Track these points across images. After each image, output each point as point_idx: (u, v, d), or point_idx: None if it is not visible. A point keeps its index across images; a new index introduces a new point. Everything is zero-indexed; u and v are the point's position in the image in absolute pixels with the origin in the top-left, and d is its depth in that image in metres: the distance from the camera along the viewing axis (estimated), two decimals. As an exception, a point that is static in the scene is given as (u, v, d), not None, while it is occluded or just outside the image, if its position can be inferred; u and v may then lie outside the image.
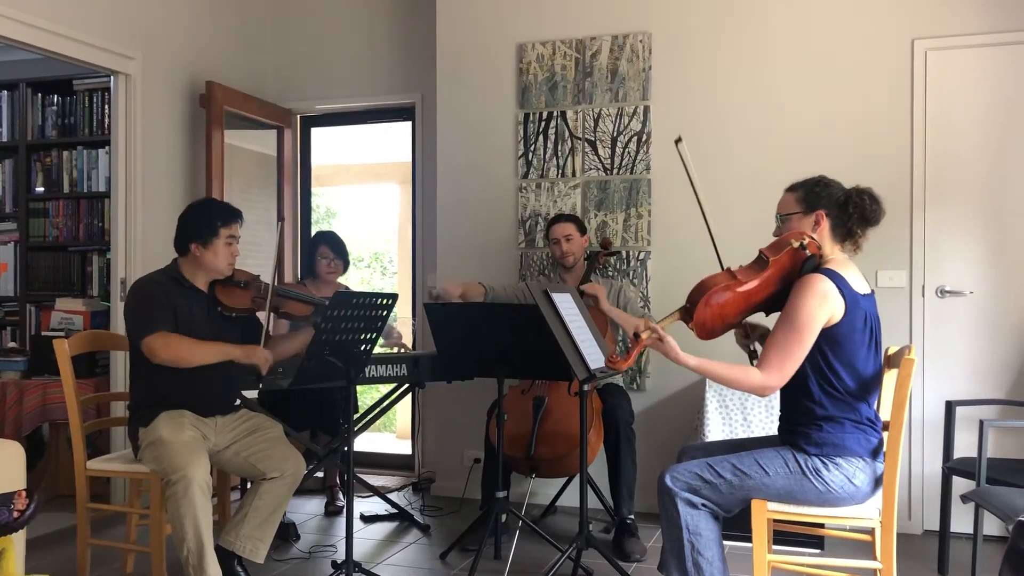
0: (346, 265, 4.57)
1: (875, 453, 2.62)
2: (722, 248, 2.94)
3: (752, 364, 2.68)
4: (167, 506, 3.04)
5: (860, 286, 2.63)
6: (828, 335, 2.56)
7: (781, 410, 2.78)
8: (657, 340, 2.53)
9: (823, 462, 2.58)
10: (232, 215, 3.37)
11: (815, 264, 2.63)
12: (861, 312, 2.59)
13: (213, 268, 3.33)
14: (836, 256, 2.68)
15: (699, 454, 2.88)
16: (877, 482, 2.61)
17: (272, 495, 3.25)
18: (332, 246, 4.50)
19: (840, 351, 2.58)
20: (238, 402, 3.58)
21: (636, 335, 2.54)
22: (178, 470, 3.00)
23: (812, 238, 2.63)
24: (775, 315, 2.70)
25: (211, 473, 3.17)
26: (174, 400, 3.23)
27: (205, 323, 3.31)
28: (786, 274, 2.63)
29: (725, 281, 2.60)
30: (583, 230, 4.21)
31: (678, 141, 2.96)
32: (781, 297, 2.64)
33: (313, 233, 4.78)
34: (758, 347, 2.88)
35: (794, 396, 2.65)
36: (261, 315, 3.45)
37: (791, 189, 2.78)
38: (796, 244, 2.60)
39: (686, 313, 2.61)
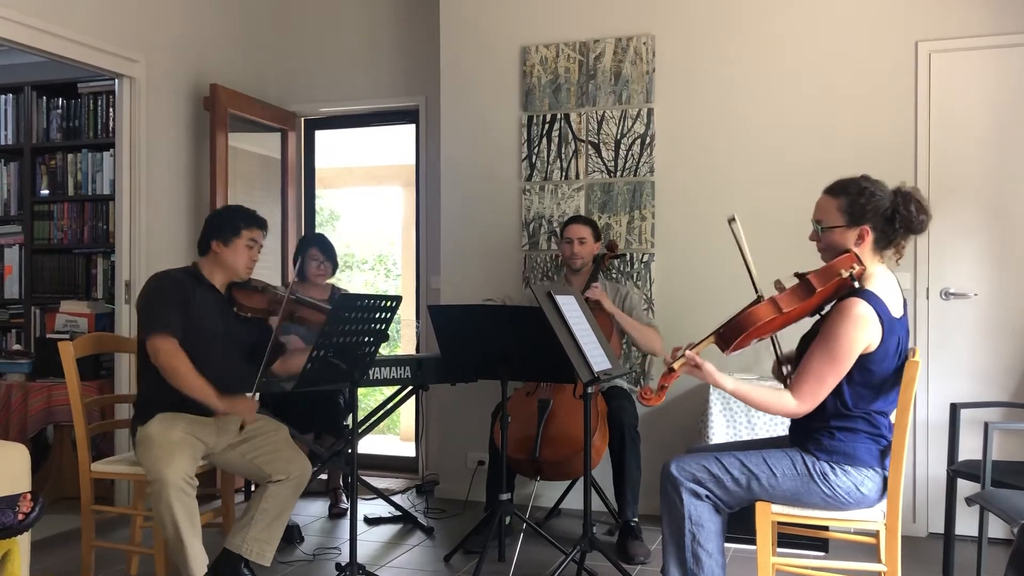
0: (335, 268, 4.56)
1: (883, 457, 2.61)
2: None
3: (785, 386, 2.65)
4: (149, 502, 3.09)
5: (896, 307, 2.57)
6: (861, 362, 2.52)
7: None
8: (694, 367, 2.51)
9: (832, 467, 2.57)
10: (256, 220, 3.44)
11: (858, 286, 2.56)
12: (895, 338, 2.55)
13: (231, 268, 3.38)
14: (876, 270, 2.60)
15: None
16: (884, 489, 2.60)
17: (278, 497, 3.26)
18: (321, 248, 4.49)
19: (870, 377, 2.55)
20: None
21: (670, 369, 2.51)
22: (154, 470, 3.05)
23: (860, 263, 2.53)
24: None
25: (214, 475, 3.18)
26: (176, 400, 3.22)
27: (218, 320, 3.34)
28: (827, 300, 2.59)
29: (769, 315, 2.52)
30: (597, 236, 4.20)
31: (732, 220, 2.78)
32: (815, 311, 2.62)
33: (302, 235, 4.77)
34: (778, 342, 2.85)
35: None
36: (273, 320, 3.47)
37: (832, 193, 2.64)
38: (845, 275, 2.50)
39: (722, 340, 2.56)
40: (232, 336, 3.37)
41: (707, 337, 2.58)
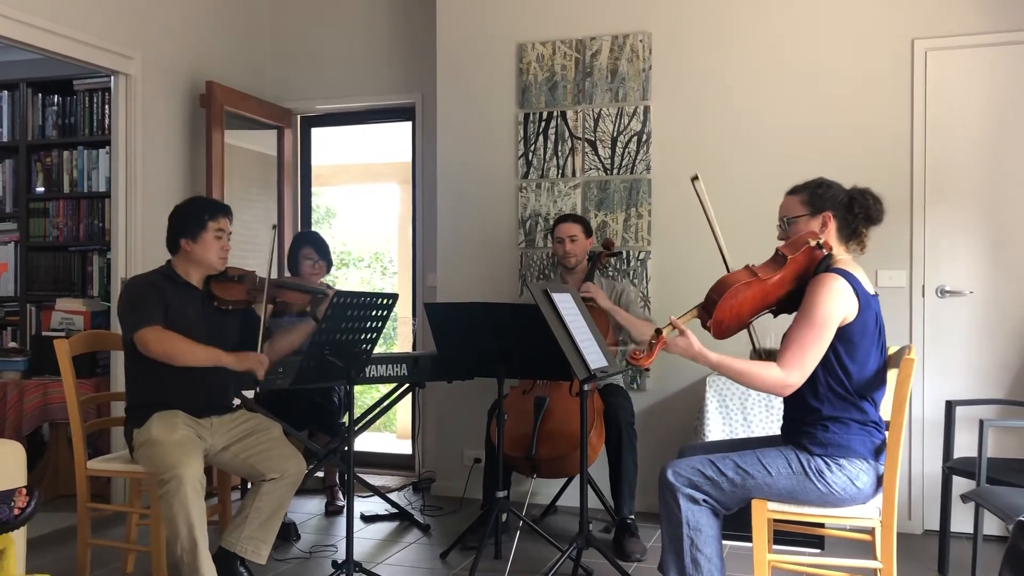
0: (329, 266, 4.51)
1: (878, 454, 2.62)
2: (726, 248, 2.93)
3: (751, 356, 2.69)
4: (160, 505, 3.03)
5: (868, 287, 2.65)
6: (841, 334, 2.57)
7: (785, 408, 2.77)
8: (679, 336, 2.54)
9: (826, 463, 2.58)
10: (219, 209, 3.38)
11: (828, 263, 2.65)
12: (872, 313, 2.62)
13: (204, 262, 3.32)
14: (842, 257, 2.70)
15: (699, 453, 2.88)
16: (879, 483, 2.61)
17: (273, 496, 3.24)
18: (315, 247, 4.44)
19: (853, 350, 2.59)
20: (238, 402, 3.57)
21: (658, 331, 2.54)
22: (169, 469, 2.99)
23: (824, 239, 2.65)
24: (783, 317, 2.72)
25: (211, 473, 3.16)
26: (167, 401, 3.21)
27: (200, 319, 3.30)
28: (802, 273, 2.64)
29: (745, 278, 2.59)
30: (588, 232, 4.21)
31: (695, 179, 2.88)
32: (794, 298, 2.65)
33: (295, 234, 4.73)
34: (756, 332, 2.90)
35: (800, 394, 2.63)
36: (258, 309, 3.43)
37: (793, 192, 2.80)
38: (813, 243, 2.61)
39: (704, 311, 2.60)
40: (217, 332, 3.33)
41: (691, 309, 2.63)
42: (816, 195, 2.72)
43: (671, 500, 2.66)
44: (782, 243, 2.70)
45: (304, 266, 4.43)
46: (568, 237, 4.14)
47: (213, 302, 3.36)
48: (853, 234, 2.73)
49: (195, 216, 3.31)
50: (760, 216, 4.16)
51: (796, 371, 2.54)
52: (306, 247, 4.44)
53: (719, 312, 2.57)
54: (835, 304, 2.54)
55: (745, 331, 2.83)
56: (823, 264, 2.64)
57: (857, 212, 2.69)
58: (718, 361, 2.55)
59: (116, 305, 3.39)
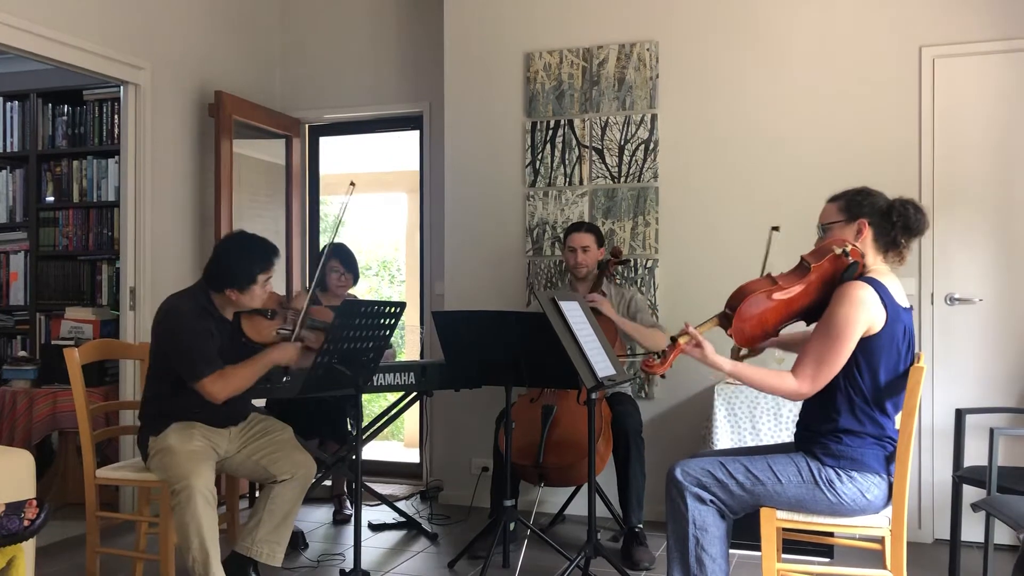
0: (356, 278, 4.59)
1: (889, 463, 2.60)
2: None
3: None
4: (172, 515, 3.05)
5: (901, 299, 2.59)
6: (866, 344, 2.53)
7: (801, 414, 2.75)
8: (695, 346, 2.52)
9: (837, 474, 2.56)
10: (270, 259, 3.31)
11: (857, 271, 2.59)
12: (901, 325, 2.55)
13: (247, 306, 3.32)
14: (879, 267, 2.64)
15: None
16: (890, 495, 2.59)
17: (284, 497, 3.27)
18: (343, 259, 4.51)
19: (875, 361, 2.55)
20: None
21: (673, 339, 2.53)
22: (182, 479, 3.02)
23: (855, 245, 2.58)
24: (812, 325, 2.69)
25: (220, 481, 3.16)
26: (190, 412, 3.23)
27: (231, 351, 3.29)
28: (828, 281, 2.59)
29: (765, 287, 2.56)
30: (601, 242, 4.19)
31: (775, 229, 2.81)
32: (822, 306, 2.60)
33: (323, 245, 4.78)
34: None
35: (818, 402, 2.61)
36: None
37: (833, 199, 2.73)
38: (838, 251, 2.55)
39: (725, 319, 2.58)
40: (242, 360, 3.29)
41: (711, 318, 2.61)
42: (853, 202, 2.66)
43: (678, 498, 2.65)
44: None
45: (331, 278, 4.50)
46: (581, 247, 4.12)
47: (242, 337, 3.34)
48: (892, 244, 2.64)
49: (246, 271, 3.24)
50: (767, 223, 4.16)
51: (810, 382, 2.52)
52: (333, 259, 4.50)
53: (739, 320, 2.55)
54: (857, 315, 2.49)
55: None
56: (850, 272, 2.57)
57: (895, 220, 2.61)
58: (732, 369, 2.56)
59: (157, 329, 3.28)
